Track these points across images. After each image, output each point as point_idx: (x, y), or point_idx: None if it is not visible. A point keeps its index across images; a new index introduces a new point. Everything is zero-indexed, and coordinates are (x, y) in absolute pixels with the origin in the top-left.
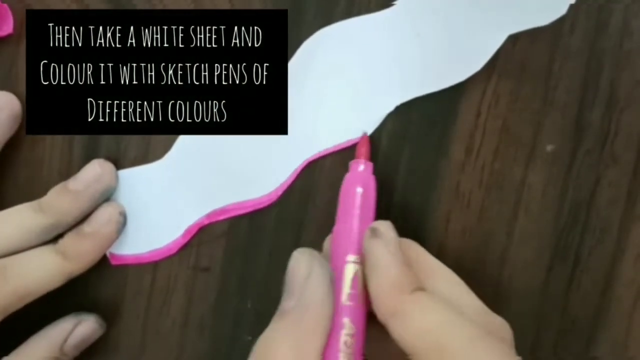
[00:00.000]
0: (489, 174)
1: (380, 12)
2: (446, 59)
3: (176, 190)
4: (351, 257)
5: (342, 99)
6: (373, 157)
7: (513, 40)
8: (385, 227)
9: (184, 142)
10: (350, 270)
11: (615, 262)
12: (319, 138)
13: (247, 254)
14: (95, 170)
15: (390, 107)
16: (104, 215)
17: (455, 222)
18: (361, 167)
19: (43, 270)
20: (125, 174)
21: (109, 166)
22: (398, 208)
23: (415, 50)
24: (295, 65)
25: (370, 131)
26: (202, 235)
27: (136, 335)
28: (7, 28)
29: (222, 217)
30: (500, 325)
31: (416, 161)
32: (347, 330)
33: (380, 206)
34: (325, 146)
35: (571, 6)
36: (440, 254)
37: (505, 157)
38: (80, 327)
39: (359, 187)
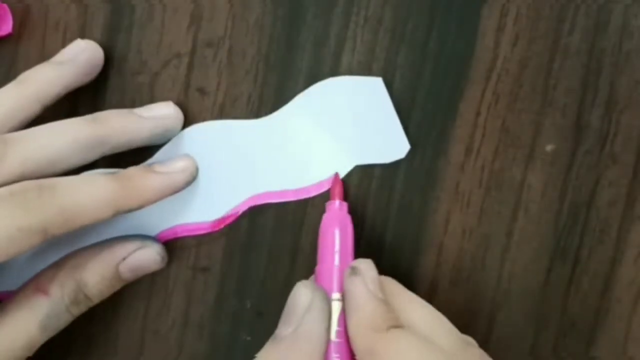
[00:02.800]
0: (488, 174)
1: (256, 120)
2: (296, 167)
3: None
4: (335, 295)
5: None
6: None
7: (513, 40)
8: (365, 266)
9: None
10: (335, 307)
11: (614, 262)
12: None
13: (246, 254)
14: (168, 109)
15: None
16: (181, 163)
17: (454, 223)
18: (337, 207)
19: (94, 195)
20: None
21: (180, 112)
22: (398, 208)
23: (277, 156)
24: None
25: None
26: (201, 236)
27: (135, 335)
28: (7, 28)
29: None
30: (479, 356)
31: (416, 161)
32: None
33: (380, 206)
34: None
35: (571, 6)
36: (439, 255)
37: (505, 157)
38: (141, 251)
39: (336, 227)
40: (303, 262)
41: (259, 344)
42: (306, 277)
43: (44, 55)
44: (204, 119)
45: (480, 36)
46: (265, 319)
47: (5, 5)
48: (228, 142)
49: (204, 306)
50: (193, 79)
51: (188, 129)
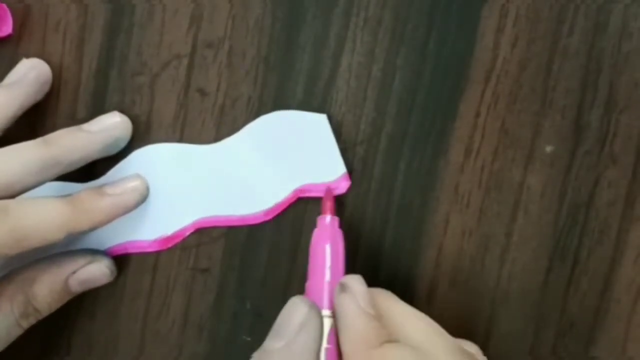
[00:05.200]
0: (488, 175)
1: (206, 146)
2: (243, 194)
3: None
4: (325, 312)
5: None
6: (373, 158)
7: (513, 40)
8: (354, 282)
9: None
10: (326, 325)
11: (614, 263)
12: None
13: (245, 255)
14: (114, 118)
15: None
16: (131, 183)
17: (454, 223)
18: (327, 222)
19: (45, 217)
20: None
21: (127, 119)
22: (397, 209)
23: (225, 182)
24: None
25: (169, 232)
26: (201, 236)
27: (135, 336)
28: (7, 29)
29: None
30: (475, 353)
31: (415, 162)
32: None
33: (379, 207)
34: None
35: (570, 7)
36: (439, 255)
37: (504, 158)
38: (91, 266)
39: (327, 243)
40: (303, 262)
41: (258, 345)
42: (305, 277)
43: (44, 55)
44: (204, 120)
45: (479, 37)
46: (265, 320)
47: (5, 6)
48: (179, 164)
49: (203, 307)
50: (193, 79)
51: (140, 150)
